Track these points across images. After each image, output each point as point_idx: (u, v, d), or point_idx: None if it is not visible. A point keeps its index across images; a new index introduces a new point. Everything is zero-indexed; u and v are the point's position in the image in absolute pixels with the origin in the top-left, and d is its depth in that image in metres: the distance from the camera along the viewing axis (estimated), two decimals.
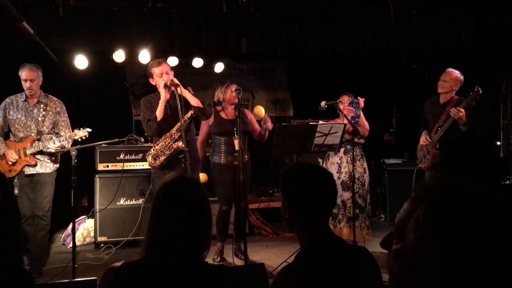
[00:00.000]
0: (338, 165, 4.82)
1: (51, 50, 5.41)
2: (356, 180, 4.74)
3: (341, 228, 4.75)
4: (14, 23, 4.57)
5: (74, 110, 5.23)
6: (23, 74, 4.27)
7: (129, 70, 7.08)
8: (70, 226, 5.35)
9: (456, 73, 4.57)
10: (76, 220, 4.83)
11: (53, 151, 4.24)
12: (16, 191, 4.18)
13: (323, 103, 4.65)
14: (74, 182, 3.85)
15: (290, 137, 4.25)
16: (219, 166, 4.58)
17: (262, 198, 6.23)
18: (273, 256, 4.69)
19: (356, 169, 4.76)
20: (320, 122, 4.66)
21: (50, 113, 4.37)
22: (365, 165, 4.86)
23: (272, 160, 7.06)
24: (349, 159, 4.77)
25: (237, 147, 4.47)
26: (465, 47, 5.94)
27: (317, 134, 4.29)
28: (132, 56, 6.05)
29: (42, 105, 4.34)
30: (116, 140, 4.39)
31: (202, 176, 4.64)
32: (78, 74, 6.03)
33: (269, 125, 4.60)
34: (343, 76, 6.94)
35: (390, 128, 7.60)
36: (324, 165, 4.92)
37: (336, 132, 4.33)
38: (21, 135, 4.25)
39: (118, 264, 1.50)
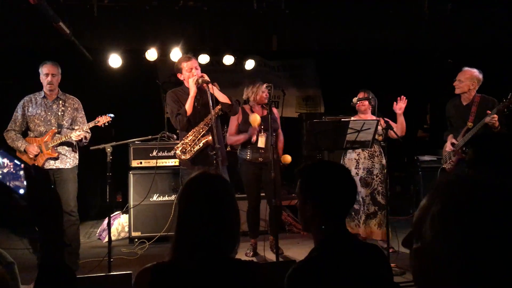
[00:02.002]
0: (356, 161, 4.73)
1: (86, 49, 5.54)
2: (375, 176, 4.66)
3: (359, 225, 4.68)
4: (51, 23, 4.70)
5: (108, 108, 5.35)
6: (45, 68, 4.37)
7: (161, 68, 7.18)
8: (106, 221, 5.48)
9: (472, 71, 4.41)
10: (111, 216, 4.94)
11: (74, 139, 4.28)
12: None
13: (355, 99, 4.60)
14: (110, 179, 3.92)
15: (322, 134, 4.21)
16: (246, 162, 4.65)
17: (293, 195, 6.22)
18: (304, 253, 4.60)
19: (374, 165, 4.67)
20: (352, 118, 4.61)
21: (69, 109, 4.48)
22: (383, 161, 4.74)
23: (303, 157, 7.05)
24: (367, 155, 4.70)
25: (262, 145, 4.48)
26: (501, 41, 5.76)
27: (349, 131, 4.23)
28: (164, 54, 6.14)
29: (61, 101, 4.45)
30: (150, 137, 4.47)
31: (285, 158, 4.67)
32: (112, 73, 6.15)
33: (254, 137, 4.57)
34: (375, 72, 6.84)
35: (424, 125, 7.45)
36: (341, 162, 4.84)
37: (369, 128, 4.26)
38: (42, 129, 4.35)
39: (151, 265, 1.50)
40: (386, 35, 5.65)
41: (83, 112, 4.59)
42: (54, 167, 4.33)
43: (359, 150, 4.69)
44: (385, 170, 4.63)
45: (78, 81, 6.08)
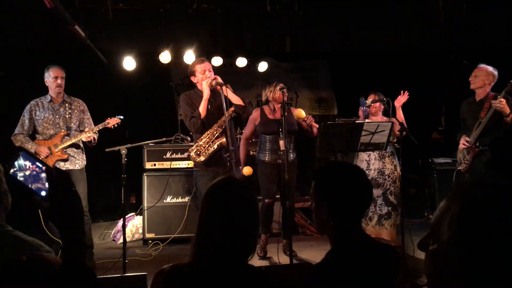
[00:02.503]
0: (366, 162, 4.73)
1: (101, 52, 5.59)
2: (387, 177, 4.64)
3: (373, 226, 4.65)
4: (67, 27, 4.76)
5: (122, 110, 5.38)
6: (54, 72, 4.42)
7: (175, 71, 7.22)
8: (120, 222, 5.52)
9: (487, 67, 4.43)
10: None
11: (84, 140, 4.37)
12: None
13: (368, 101, 4.58)
14: (125, 180, 3.94)
15: (336, 136, 4.20)
16: (264, 163, 4.63)
17: (307, 197, 6.20)
18: (318, 256, 4.61)
19: (385, 165, 4.65)
20: (367, 120, 4.58)
21: (76, 111, 4.54)
22: (395, 161, 4.73)
23: (316, 159, 7.03)
24: (377, 156, 4.70)
25: (282, 147, 4.47)
26: None
27: (363, 133, 4.21)
28: (177, 57, 6.18)
29: (67, 104, 4.52)
30: (164, 139, 4.50)
31: (247, 170, 4.63)
32: (126, 76, 6.21)
33: (313, 123, 4.57)
34: (388, 74, 6.80)
35: (438, 127, 7.38)
36: (354, 163, 4.84)
37: (383, 130, 4.23)
38: (51, 132, 4.41)
39: (168, 267, 1.52)
40: (400, 37, 5.61)
41: (89, 114, 4.66)
42: (64, 169, 4.40)
43: (370, 151, 4.68)
44: (398, 171, 4.61)
45: (93, 84, 6.15)
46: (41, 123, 4.42)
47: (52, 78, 4.42)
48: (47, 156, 4.32)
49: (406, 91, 4.65)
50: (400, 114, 4.64)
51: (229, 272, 1.48)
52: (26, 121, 4.44)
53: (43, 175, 1.23)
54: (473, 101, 4.51)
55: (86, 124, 4.56)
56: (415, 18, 5.60)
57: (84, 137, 4.34)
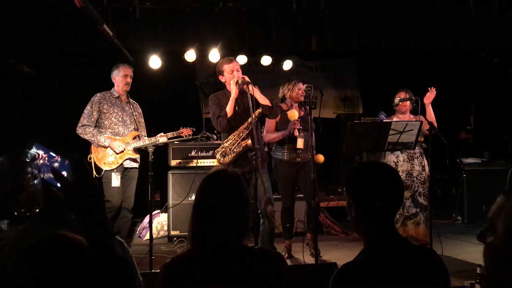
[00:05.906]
0: (394, 164, 4.66)
1: (128, 51, 5.65)
2: (415, 178, 4.58)
3: (398, 228, 4.58)
4: (96, 26, 4.82)
5: (148, 109, 5.42)
6: (124, 70, 4.49)
7: (199, 69, 7.27)
8: (146, 219, 5.58)
9: None
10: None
11: (161, 143, 4.47)
12: (117, 184, 4.33)
13: (396, 100, 4.52)
14: (151, 178, 3.97)
15: (363, 135, 4.16)
16: (282, 162, 4.60)
17: (331, 196, 6.16)
18: (344, 256, 4.60)
19: (414, 167, 4.59)
20: (394, 119, 4.52)
21: (136, 112, 4.61)
22: (424, 162, 4.65)
23: (341, 159, 6.96)
24: (406, 157, 4.63)
25: (300, 146, 4.43)
26: None
27: (391, 132, 4.16)
28: (202, 55, 6.20)
29: (131, 105, 4.56)
30: (190, 137, 4.54)
31: (320, 157, 4.57)
32: (152, 74, 6.26)
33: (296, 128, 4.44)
34: (416, 72, 6.70)
35: (467, 126, 7.23)
36: None
37: (412, 130, 4.17)
38: (120, 128, 4.44)
39: (168, 260, 1.63)
40: (430, 34, 5.50)
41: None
42: (130, 166, 4.46)
43: (398, 153, 4.63)
44: (427, 172, 4.53)
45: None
46: (109, 117, 4.43)
47: (122, 76, 4.48)
48: (119, 153, 4.35)
49: (433, 87, 4.58)
50: (430, 112, 4.57)
51: (222, 254, 1.56)
52: (94, 113, 4.41)
53: (57, 164, 1.20)
54: None
55: (141, 128, 4.62)
56: (444, 15, 5.48)
57: (162, 140, 4.42)
